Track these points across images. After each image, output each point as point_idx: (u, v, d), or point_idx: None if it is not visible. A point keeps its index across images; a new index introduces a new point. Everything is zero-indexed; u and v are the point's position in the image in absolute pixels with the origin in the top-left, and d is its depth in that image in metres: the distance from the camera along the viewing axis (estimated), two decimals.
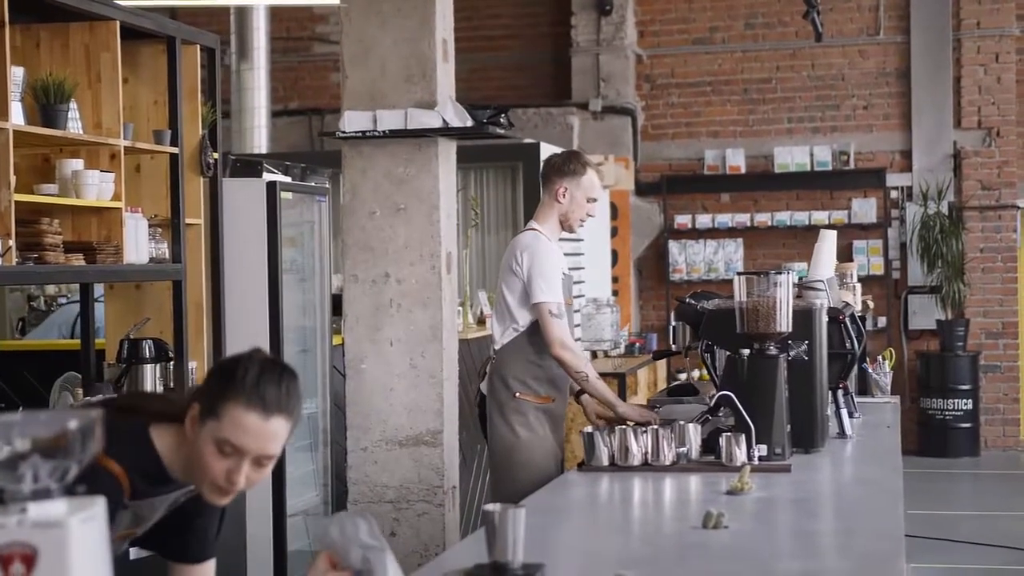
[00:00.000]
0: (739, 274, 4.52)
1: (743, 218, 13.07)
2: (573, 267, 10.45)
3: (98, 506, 1.78)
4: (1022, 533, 9.25)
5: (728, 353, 4.57)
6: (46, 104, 5.01)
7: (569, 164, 5.45)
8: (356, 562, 2.49)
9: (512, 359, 5.36)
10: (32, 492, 1.73)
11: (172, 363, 5.71)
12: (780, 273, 4.47)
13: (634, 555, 3.19)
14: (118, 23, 5.38)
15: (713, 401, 4.45)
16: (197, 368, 5.98)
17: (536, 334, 5.34)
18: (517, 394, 5.33)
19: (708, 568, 3.02)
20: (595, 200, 5.50)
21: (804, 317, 4.60)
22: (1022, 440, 12.94)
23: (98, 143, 5.31)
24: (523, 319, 5.32)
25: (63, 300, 8.92)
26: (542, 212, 5.50)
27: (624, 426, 4.39)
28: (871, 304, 8.14)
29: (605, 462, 4.31)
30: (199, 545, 2.97)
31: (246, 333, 6.34)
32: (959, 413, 12.48)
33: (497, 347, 5.42)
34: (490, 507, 2.71)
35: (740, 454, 4.22)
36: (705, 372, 12.18)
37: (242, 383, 2.60)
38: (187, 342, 5.82)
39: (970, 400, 12.50)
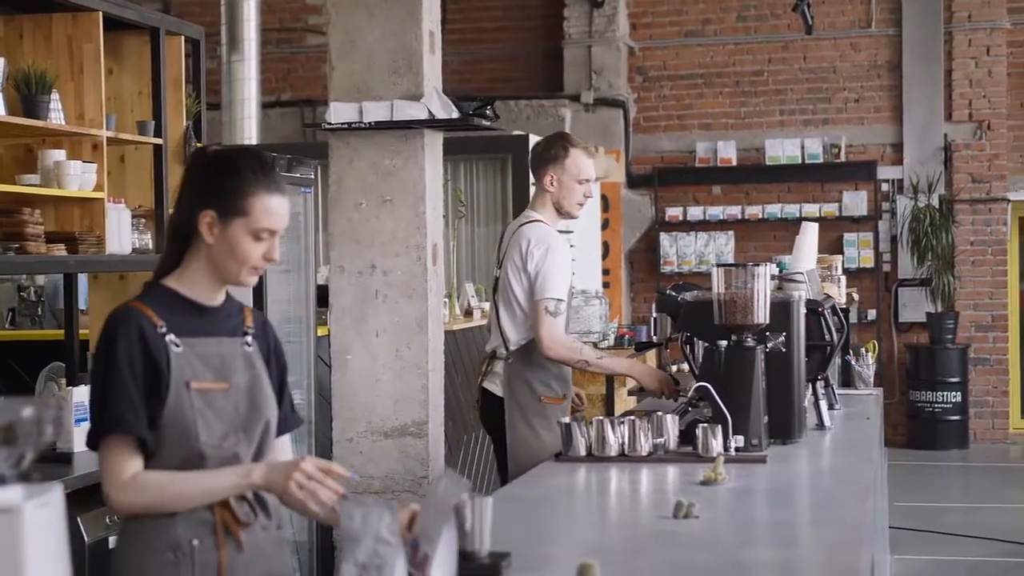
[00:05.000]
0: (717, 266, 4.53)
1: (734, 210, 13.09)
2: None
3: (54, 492, 1.80)
4: (1009, 525, 9.30)
5: (706, 344, 4.58)
6: (28, 95, 5.02)
7: (550, 150, 5.31)
8: (363, 554, 2.51)
9: (533, 360, 5.21)
10: None
11: None
12: (758, 265, 4.48)
13: (603, 544, 3.21)
14: (100, 14, 5.39)
15: (690, 392, 4.46)
16: None
17: None
18: (542, 398, 5.21)
19: (675, 557, 3.04)
20: (587, 181, 5.30)
21: (782, 309, 4.61)
22: (1011, 433, 12.98)
23: (80, 133, 5.32)
24: None
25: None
26: (538, 201, 5.36)
27: (601, 417, 4.40)
28: (856, 296, 8.15)
29: (582, 452, 4.32)
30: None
31: None
32: (948, 406, 12.51)
33: (512, 347, 5.25)
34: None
35: (716, 445, 4.24)
36: None
37: (253, 177, 2.89)
38: None
39: (959, 393, 12.53)
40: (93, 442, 2.87)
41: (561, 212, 5.33)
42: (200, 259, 2.93)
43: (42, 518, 1.76)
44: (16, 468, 1.77)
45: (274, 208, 2.90)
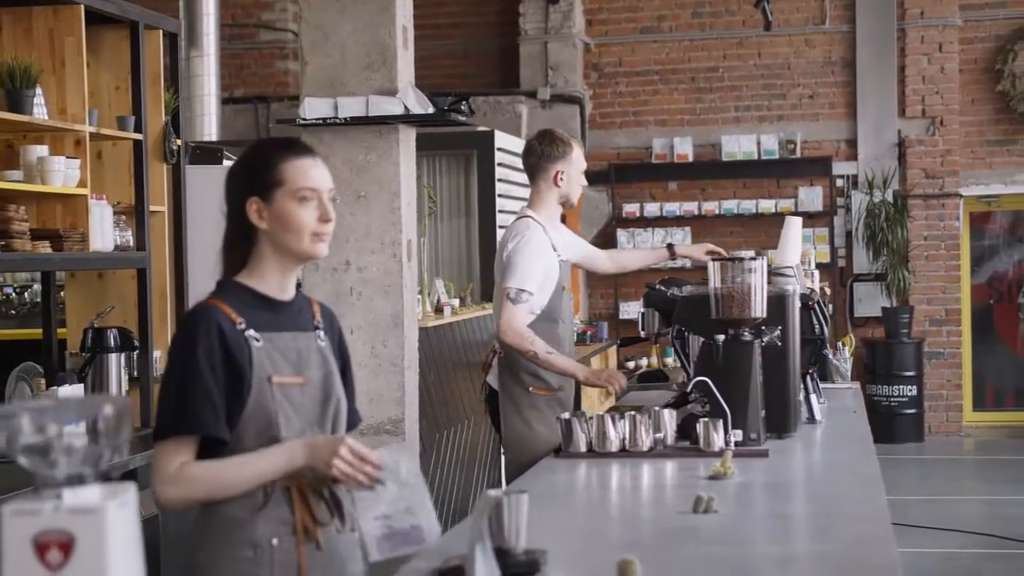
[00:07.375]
0: (714, 260, 4.53)
1: (691, 206, 13.13)
2: None
3: (130, 491, 1.76)
4: (968, 516, 9.40)
5: (702, 339, 4.57)
6: (12, 89, 4.93)
7: (557, 147, 5.41)
8: (386, 505, 2.50)
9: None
10: (66, 478, 1.71)
11: (137, 352, 5.65)
12: (755, 259, 4.48)
13: (628, 540, 3.19)
14: (83, 7, 5.30)
15: (690, 387, 4.45)
16: (161, 357, 5.91)
17: (541, 325, 5.21)
18: (531, 388, 5.24)
19: (703, 552, 3.03)
20: (584, 168, 5.53)
21: (777, 302, 4.61)
22: (965, 426, 13.10)
23: (64, 129, 5.24)
24: None
25: (8, 289, 8.80)
26: (538, 199, 5.42)
27: (601, 412, 4.38)
28: (828, 290, 8.19)
29: (583, 448, 4.31)
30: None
31: None
32: (904, 399, 12.62)
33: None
34: (493, 493, 2.70)
35: (718, 439, 4.24)
36: (655, 360, 12.17)
37: (276, 150, 2.92)
38: (151, 331, 5.76)
39: (914, 386, 12.64)
40: (161, 437, 2.83)
41: (565, 205, 5.45)
42: (264, 251, 2.92)
43: (122, 517, 1.72)
44: (95, 468, 1.73)
45: (307, 168, 2.90)
